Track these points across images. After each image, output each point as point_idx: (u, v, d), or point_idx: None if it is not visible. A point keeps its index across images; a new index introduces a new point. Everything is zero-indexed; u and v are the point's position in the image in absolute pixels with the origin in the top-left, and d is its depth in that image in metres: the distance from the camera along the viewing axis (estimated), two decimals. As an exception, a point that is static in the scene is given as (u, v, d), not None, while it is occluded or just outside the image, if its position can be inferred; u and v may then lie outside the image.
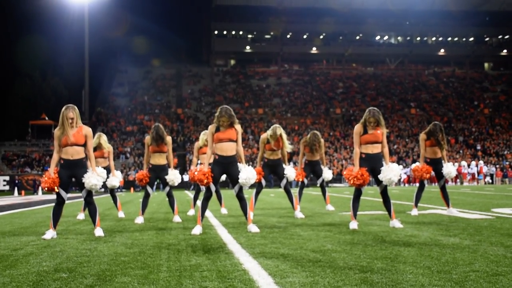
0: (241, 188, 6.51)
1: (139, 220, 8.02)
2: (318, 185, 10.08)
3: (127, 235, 6.27)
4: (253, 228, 6.41)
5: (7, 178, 35.80)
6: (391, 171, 6.35)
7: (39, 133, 45.83)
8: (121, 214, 9.37)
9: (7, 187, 34.91)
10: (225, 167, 6.43)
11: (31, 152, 41.51)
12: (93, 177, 6.13)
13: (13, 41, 59.04)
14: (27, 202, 17.33)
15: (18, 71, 56.30)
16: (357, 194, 6.62)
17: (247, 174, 6.36)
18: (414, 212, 8.40)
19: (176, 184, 8.16)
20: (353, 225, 6.51)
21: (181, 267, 4.00)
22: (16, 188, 30.66)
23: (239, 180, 6.37)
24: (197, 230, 6.31)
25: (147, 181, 8.06)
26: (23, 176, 35.89)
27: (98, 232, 6.28)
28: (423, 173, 8.23)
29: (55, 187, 6.10)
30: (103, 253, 4.80)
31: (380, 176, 6.41)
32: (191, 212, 9.68)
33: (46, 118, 45.91)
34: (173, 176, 8.12)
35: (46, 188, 6.15)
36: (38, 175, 35.78)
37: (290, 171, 8.61)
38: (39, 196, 26.01)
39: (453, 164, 34.06)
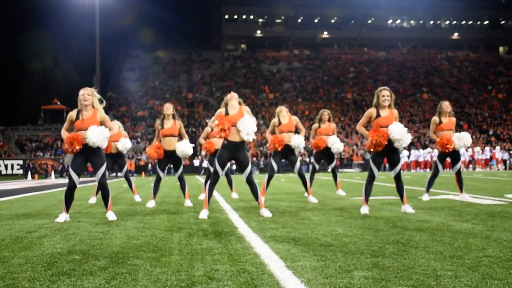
0: (250, 173, 6.50)
1: (151, 204, 8.06)
2: (330, 170, 10.03)
3: (139, 219, 6.32)
4: (265, 212, 6.41)
5: (21, 162, 36.25)
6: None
7: (51, 117, 46.23)
8: (137, 198, 9.37)
9: (20, 171, 35.37)
10: (233, 152, 6.42)
11: (44, 136, 41.92)
12: (96, 132, 5.90)
13: (26, 26, 59.26)
14: (40, 186, 17.54)
15: (30, 57, 56.55)
16: (370, 179, 6.56)
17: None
18: (425, 197, 8.35)
19: (188, 154, 7.86)
20: (364, 210, 6.48)
21: (193, 250, 4.03)
22: (29, 172, 31.04)
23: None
24: (204, 214, 6.36)
25: (159, 156, 7.90)
26: (36, 160, 36.31)
27: (111, 215, 6.32)
28: (446, 141, 8.03)
29: (76, 146, 5.89)
30: (115, 236, 4.84)
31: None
32: (202, 196, 9.70)
33: (58, 103, 46.22)
34: (184, 147, 7.76)
35: (68, 147, 5.91)
36: (51, 159, 36.20)
37: (299, 139, 8.29)
38: (52, 180, 26.31)
39: (466, 150, 33.64)
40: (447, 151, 8.08)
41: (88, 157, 6.15)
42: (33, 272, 3.36)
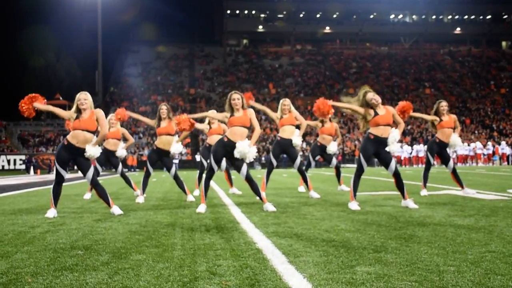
0: (247, 171, 6.49)
1: (140, 199, 8.04)
2: (333, 167, 9.91)
3: (141, 214, 6.33)
4: (269, 207, 6.41)
5: (23, 157, 36.33)
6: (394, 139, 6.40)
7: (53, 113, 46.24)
8: (138, 193, 9.34)
9: (23, 166, 35.45)
10: (229, 150, 6.44)
11: (46, 132, 41.99)
12: (93, 148, 6.13)
13: (27, 22, 59.22)
14: (43, 181, 17.57)
15: (32, 52, 56.54)
16: (359, 172, 6.56)
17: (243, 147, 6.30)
18: (424, 192, 8.33)
19: (175, 154, 8.00)
20: (354, 205, 6.46)
21: (195, 246, 4.03)
22: (32, 168, 31.09)
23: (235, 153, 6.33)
24: (201, 208, 6.38)
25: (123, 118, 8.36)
26: (38, 155, 36.37)
27: (116, 210, 6.32)
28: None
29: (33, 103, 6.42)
30: (117, 232, 4.85)
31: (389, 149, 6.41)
32: (197, 192, 9.59)
33: (60, 98, 46.25)
34: (173, 148, 7.89)
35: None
36: (53, 154, 36.15)
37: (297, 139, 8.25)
38: (54, 175, 26.33)
39: (468, 145, 33.48)
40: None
41: (73, 156, 6.20)
42: (36, 267, 3.36)
